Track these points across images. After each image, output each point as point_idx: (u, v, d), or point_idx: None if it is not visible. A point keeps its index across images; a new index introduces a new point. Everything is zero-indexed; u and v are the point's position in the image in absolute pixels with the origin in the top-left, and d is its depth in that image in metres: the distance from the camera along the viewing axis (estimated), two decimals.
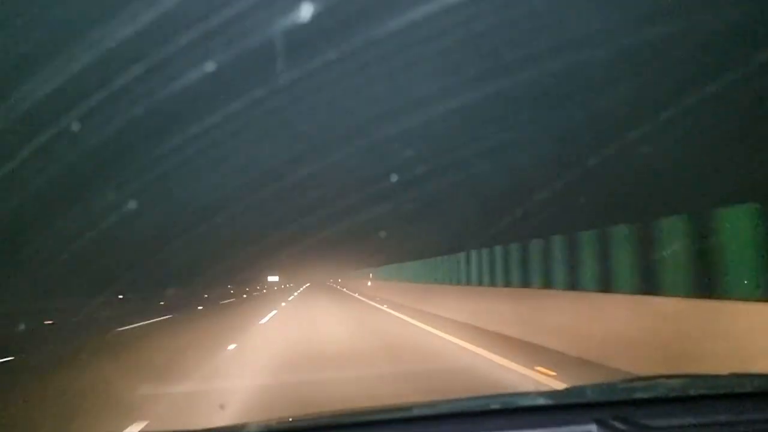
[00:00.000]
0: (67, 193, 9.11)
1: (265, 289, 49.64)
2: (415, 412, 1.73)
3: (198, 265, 23.75)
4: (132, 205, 9.21)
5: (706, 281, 6.90)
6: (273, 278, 70.92)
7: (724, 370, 2.07)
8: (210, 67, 7.27)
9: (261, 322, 15.24)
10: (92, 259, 14.08)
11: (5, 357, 9.28)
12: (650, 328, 5.83)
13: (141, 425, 4.22)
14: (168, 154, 8.44)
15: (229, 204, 11.96)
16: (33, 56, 6.84)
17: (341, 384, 5.93)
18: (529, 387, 5.38)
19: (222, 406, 4.90)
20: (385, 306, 19.95)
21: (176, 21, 6.61)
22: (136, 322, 14.56)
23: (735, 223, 6.77)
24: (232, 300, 30.14)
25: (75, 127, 7.88)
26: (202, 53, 7.05)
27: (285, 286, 66.70)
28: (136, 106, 7.72)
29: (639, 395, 1.85)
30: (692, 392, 1.82)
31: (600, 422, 1.55)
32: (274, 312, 19.03)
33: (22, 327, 12.75)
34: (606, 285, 9.03)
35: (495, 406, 1.77)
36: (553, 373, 6.03)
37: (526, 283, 11.75)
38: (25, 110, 7.32)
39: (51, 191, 8.79)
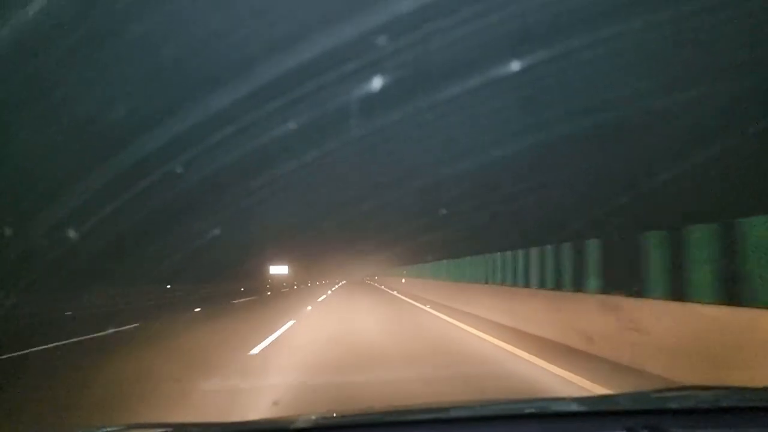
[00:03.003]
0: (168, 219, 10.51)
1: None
2: (452, 414, 1.77)
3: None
4: (216, 231, 10.54)
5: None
6: (278, 270, 50.50)
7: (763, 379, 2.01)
8: (292, 125, 8.41)
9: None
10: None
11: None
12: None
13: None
14: (252, 192, 9.66)
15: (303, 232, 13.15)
16: (152, 117, 8.14)
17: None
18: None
19: (276, 403, 5.21)
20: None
21: (267, 92, 7.75)
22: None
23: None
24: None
25: (179, 169, 9.20)
26: (287, 116, 8.18)
27: (321, 282, 58.69)
28: (228, 155, 8.95)
29: (671, 405, 1.81)
30: (724, 404, 1.76)
31: (631, 430, 1.53)
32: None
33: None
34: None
35: (529, 410, 1.80)
36: None
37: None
38: (142, 157, 8.66)
39: (155, 217, 10.18)
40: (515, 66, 7.21)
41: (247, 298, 22.06)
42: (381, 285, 44.20)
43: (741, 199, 7.86)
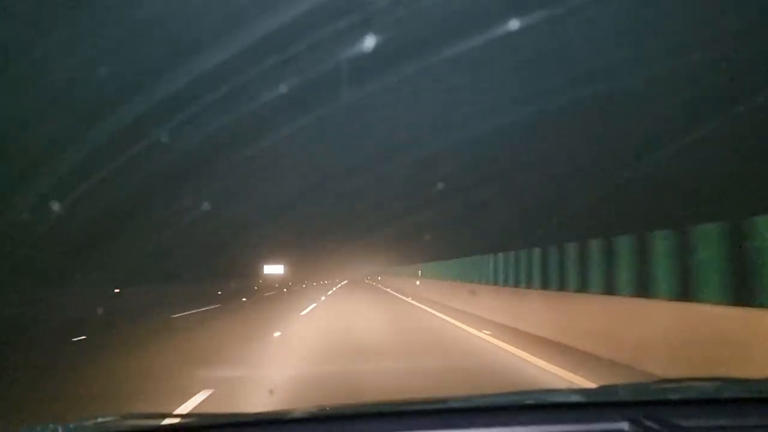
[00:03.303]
0: (154, 192, 10.13)
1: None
2: (451, 405, 1.75)
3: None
4: (206, 206, 10.16)
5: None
6: (273, 270, 48.31)
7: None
8: (283, 89, 8.05)
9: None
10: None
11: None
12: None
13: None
14: (242, 163, 9.30)
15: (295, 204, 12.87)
16: (135, 81, 7.76)
17: None
18: None
19: (271, 392, 4.93)
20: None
21: (256, 52, 7.39)
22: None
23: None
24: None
25: (164, 138, 8.83)
26: (277, 78, 7.83)
27: (320, 282, 56.63)
28: (216, 122, 8.59)
29: (671, 396, 1.82)
30: (725, 395, 1.79)
31: (632, 421, 1.54)
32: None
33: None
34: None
35: (529, 401, 1.79)
36: None
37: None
38: (127, 124, 8.30)
39: (140, 191, 9.82)
40: (515, 25, 6.87)
41: (207, 308, 17.61)
42: (387, 287, 39.24)
43: (747, 172, 7.59)
